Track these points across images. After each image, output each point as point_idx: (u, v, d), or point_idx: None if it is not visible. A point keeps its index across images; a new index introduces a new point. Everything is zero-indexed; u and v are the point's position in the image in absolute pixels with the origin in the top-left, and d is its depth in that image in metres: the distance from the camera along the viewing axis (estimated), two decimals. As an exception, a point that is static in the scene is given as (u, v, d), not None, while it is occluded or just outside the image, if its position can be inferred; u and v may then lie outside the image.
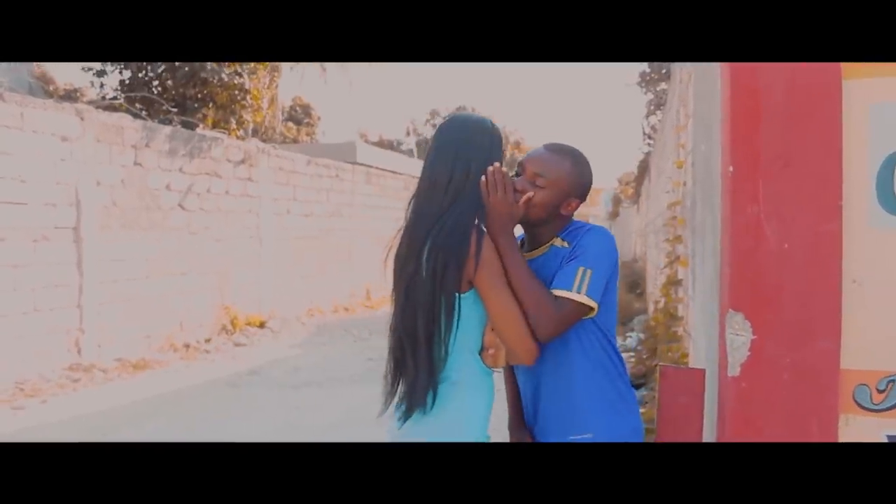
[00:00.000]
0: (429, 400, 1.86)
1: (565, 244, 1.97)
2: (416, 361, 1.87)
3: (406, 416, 1.89)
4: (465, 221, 1.87)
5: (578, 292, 1.85)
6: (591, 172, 2.08)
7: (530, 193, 1.96)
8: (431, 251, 1.85)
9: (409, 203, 1.97)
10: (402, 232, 1.96)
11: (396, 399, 1.94)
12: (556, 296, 1.87)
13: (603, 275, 1.89)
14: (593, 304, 1.88)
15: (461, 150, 1.92)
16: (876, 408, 1.81)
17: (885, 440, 1.79)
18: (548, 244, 2.01)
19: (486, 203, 1.89)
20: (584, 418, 1.96)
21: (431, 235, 1.86)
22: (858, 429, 1.82)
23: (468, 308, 1.88)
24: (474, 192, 1.91)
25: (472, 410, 1.91)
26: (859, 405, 1.82)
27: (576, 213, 2.08)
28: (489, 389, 1.95)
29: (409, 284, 1.89)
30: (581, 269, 1.86)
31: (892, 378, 1.80)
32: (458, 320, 1.86)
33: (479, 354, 1.93)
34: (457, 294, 1.85)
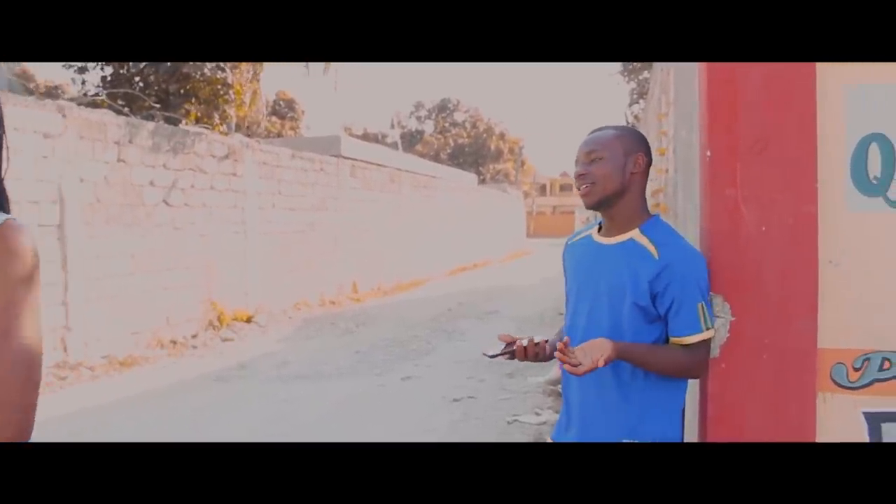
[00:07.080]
0: None
1: (649, 245, 1.97)
2: None
3: None
4: None
5: (708, 328, 1.91)
6: (638, 131, 2.17)
7: (589, 169, 2.01)
8: None
9: None
10: None
11: None
12: (691, 343, 1.91)
13: (707, 296, 1.94)
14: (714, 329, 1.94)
15: None
16: (853, 385, 1.84)
17: (862, 417, 1.82)
18: (627, 234, 2.02)
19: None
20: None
21: None
22: (836, 407, 1.85)
23: None
24: None
25: None
26: (836, 383, 1.85)
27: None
28: None
29: None
30: (701, 307, 1.91)
31: (867, 356, 1.83)
32: None
33: None
34: None
